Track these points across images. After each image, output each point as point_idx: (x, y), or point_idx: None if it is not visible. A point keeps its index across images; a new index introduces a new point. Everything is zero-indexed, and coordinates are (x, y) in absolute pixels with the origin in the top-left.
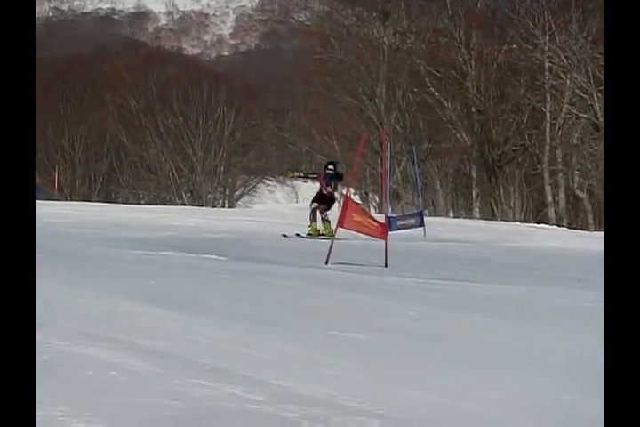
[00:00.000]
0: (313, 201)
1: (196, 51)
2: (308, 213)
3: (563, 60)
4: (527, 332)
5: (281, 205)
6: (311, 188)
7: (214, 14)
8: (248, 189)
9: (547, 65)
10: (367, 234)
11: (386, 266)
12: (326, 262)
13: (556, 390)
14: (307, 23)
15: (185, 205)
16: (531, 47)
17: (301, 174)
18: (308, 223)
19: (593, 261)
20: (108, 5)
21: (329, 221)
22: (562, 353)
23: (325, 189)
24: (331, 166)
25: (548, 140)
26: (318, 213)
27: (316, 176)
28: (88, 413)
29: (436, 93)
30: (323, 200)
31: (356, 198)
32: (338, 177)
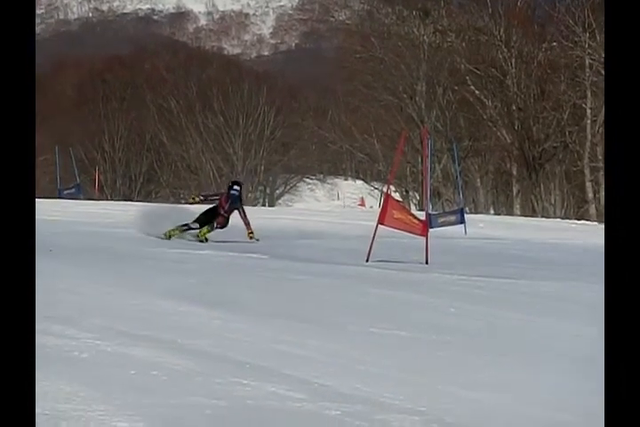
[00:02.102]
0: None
1: (237, 50)
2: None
3: (603, 57)
4: (573, 329)
5: (321, 204)
6: (350, 185)
7: (254, 14)
8: (288, 187)
9: (587, 62)
10: (408, 231)
11: (427, 263)
12: (367, 260)
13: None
14: (347, 22)
15: None
16: (571, 45)
17: (201, 198)
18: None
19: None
20: (148, 6)
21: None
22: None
23: (224, 210)
24: (237, 187)
25: (589, 136)
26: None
27: (217, 198)
28: (129, 412)
29: (477, 91)
30: (214, 218)
31: (397, 196)
32: (240, 200)
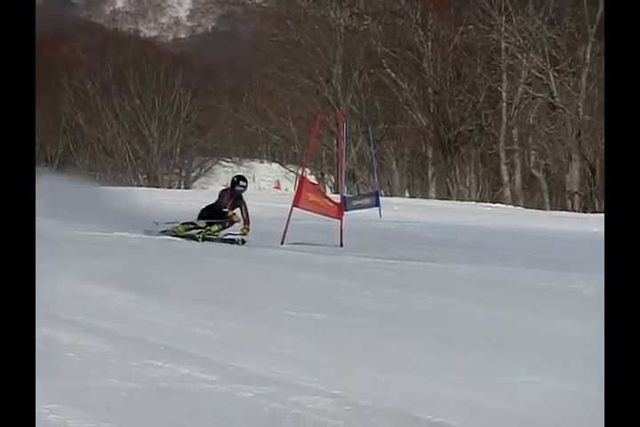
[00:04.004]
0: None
1: (153, 33)
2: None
3: (519, 41)
4: (491, 312)
5: None
6: (266, 168)
7: None
8: (204, 170)
9: (503, 45)
10: (323, 214)
11: (341, 246)
12: (282, 243)
13: (519, 371)
14: (263, 5)
15: (141, 186)
16: (487, 28)
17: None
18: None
19: (549, 240)
20: None
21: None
22: (529, 334)
23: (228, 207)
24: (243, 183)
25: (505, 119)
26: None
27: (226, 210)
28: (43, 394)
29: (393, 74)
30: (220, 216)
31: (312, 179)
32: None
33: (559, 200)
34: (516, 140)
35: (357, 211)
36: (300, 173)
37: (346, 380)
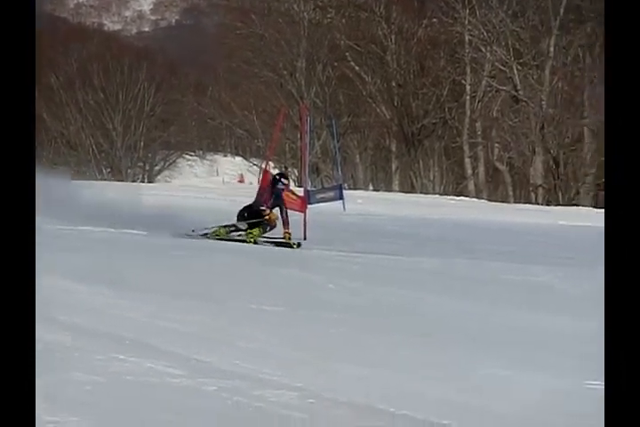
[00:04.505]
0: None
1: (117, 27)
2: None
3: (482, 34)
4: (461, 306)
5: (201, 180)
6: (230, 161)
7: None
8: (168, 164)
9: (467, 38)
10: (286, 207)
11: (305, 239)
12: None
13: (497, 365)
14: None
15: (105, 180)
16: (451, 21)
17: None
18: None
19: (513, 233)
20: None
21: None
22: (502, 328)
23: (267, 207)
24: (285, 180)
25: (468, 112)
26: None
27: (263, 209)
28: None
29: (357, 68)
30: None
31: (276, 172)
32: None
33: (523, 193)
34: (479, 133)
35: (321, 204)
36: (263, 166)
37: (310, 373)
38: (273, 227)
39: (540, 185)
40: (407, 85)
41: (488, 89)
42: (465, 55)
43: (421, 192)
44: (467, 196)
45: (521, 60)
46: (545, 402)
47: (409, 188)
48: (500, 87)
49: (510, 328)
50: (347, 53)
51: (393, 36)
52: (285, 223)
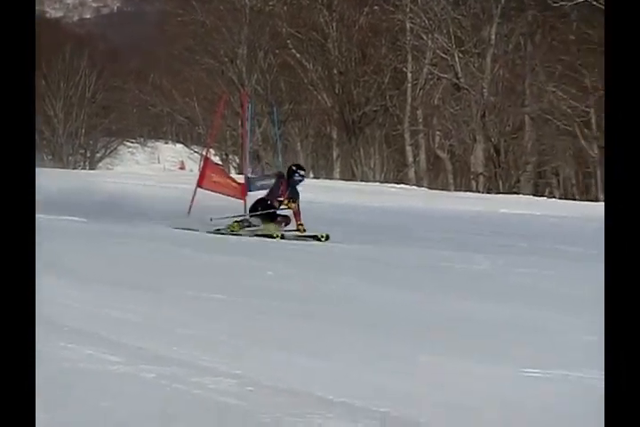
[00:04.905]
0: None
1: (59, 14)
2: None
3: (424, 21)
4: (402, 295)
5: (142, 167)
6: (171, 148)
7: None
8: (109, 151)
9: (408, 26)
10: (227, 194)
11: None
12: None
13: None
14: None
15: (46, 167)
16: (392, 8)
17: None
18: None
19: (454, 220)
20: None
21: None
22: (447, 318)
23: (281, 199)
24: (302, 172)
25: (409, 100)
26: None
27: (280, 199)
28: None
29: (298, 55)
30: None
31: (217, 160)
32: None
33: (463, 181)
34: (420, 120)
35: (262, 191)
36: (204, 153)
37: (250, 361)
38: (287, 223)
39: (481, 173)
40: (348, 73)
41: (429, 77)
42: (406, 43)
43: (362, 180)
44: (407, 183)
45: (462, 48)
46: (482, 389)
47: (350, 175)
48: (442, 75)
49: (450, 317)
50: (288, 41)
51: (334, 24)
52: (297, 215)
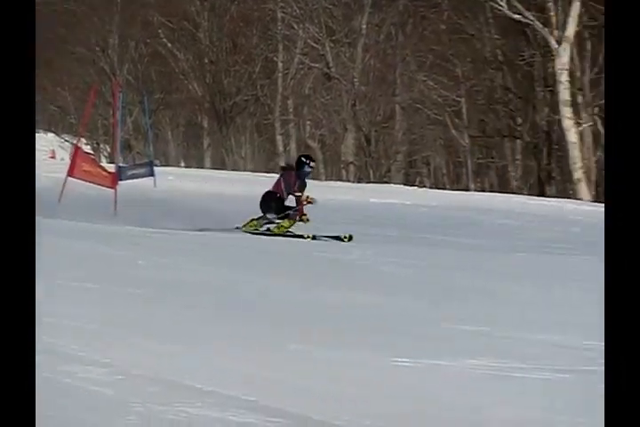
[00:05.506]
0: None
1: None
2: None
3: (295, 11)
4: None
5: None
6: (42, 137)
7: None
8: None
9: (279, 15)
10: (97, 184)
11: (115, 215)
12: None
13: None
14: None
15: None
16: None
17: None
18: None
19: (323, 210)
20: None
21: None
22: (310, 305)
23: (292, 191)
24: (312, 163)
25: (280, 89)
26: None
27: (298, 195)
28: None
29: (169, 44)
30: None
31: (88, 149)
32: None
33: (334, 170)
34: (291, 110)
35: (132, 180)
36: (75, 142)
37: (119, 350)
38: (301, 216)
39: (352, 162)
40: (219, 62)
41: (300, 66)
42: (277, 32)
43: (233, 169)
44: (277, 173)
45: (333, 38)
46: (351, 377)
47: (220, 165)
48: (313, 64)
49: (320, 306)
50: (159, 30)
51: (206, 13)
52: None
